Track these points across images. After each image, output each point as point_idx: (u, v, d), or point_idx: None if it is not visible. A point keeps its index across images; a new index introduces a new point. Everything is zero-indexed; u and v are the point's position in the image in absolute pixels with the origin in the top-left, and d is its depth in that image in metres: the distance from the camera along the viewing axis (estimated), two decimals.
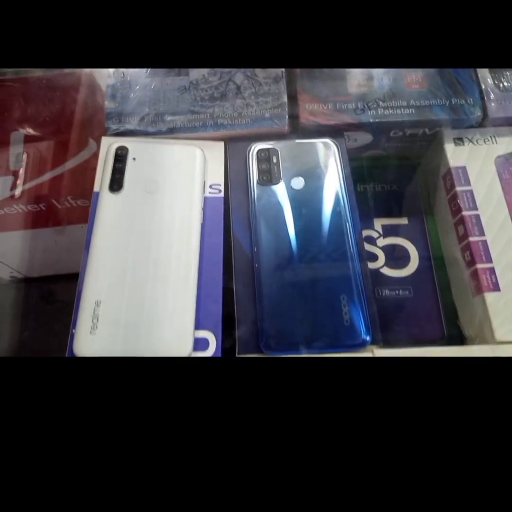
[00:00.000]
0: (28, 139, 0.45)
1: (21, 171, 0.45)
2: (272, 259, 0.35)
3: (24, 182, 0.44)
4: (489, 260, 0.37)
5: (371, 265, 0.43)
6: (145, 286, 0.34)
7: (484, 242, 0.37)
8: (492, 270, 0.36)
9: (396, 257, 0.43)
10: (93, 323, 0.33)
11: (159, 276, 0.34)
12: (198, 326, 0.34)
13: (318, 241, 0.36)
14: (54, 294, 0.53)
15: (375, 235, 0.44)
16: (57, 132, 0.45)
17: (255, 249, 0.36)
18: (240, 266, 0.36)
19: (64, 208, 0.46)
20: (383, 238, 0.44)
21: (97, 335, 0.33)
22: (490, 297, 0.35)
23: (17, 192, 0.44)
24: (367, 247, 0.43)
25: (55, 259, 0.52)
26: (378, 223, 0.45)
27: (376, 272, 0.43)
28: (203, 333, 0.34)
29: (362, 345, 0.33)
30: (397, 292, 0.42)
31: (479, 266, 0.36)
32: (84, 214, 0.39)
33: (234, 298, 0.35)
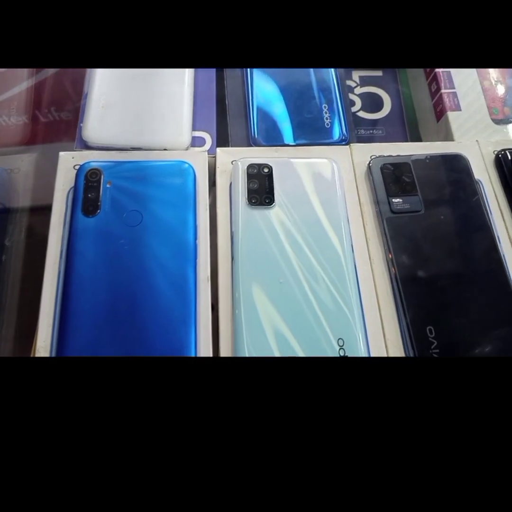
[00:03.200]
0: None
1: None
2: None
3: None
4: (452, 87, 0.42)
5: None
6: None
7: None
8: (454, 94, 0.42)
9: (371, 102, 0.48)
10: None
11: None
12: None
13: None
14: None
15: (353, 84, 0.49)
16: None
17: None
18: None
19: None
20: (360, 87, 0.49)
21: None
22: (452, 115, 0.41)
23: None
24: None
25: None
26: (356, 74, 0.49)
27: (354, 115, 0.47)
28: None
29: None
30: (371, 131, 0.47)
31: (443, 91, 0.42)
32: None
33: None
